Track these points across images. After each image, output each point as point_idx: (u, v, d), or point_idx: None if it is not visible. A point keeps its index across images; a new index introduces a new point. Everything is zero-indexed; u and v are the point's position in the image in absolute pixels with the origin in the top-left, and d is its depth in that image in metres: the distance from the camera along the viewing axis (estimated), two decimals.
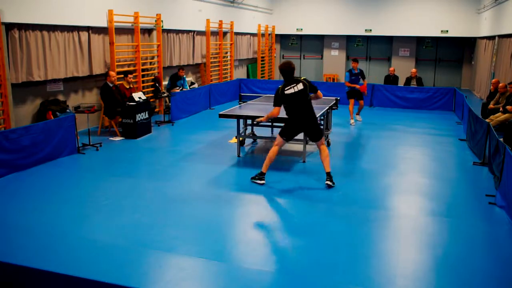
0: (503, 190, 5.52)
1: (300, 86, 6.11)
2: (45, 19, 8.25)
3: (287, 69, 6.16)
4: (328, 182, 6.14)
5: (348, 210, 5.45)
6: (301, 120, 6.18)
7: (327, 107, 8.24)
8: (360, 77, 11.06)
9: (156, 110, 11.68)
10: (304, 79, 6.21)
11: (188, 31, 13.26)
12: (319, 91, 6.41)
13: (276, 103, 6.21)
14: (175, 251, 4.32)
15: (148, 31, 11.50)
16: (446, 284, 3.84)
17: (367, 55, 20.45)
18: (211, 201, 5.73)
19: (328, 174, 6.21)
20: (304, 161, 7.50)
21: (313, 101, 6.42)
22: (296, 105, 6.13)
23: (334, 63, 20.56)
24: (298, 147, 8.40)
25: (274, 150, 6.34)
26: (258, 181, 6.31)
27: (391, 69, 15.14)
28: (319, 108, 8.18)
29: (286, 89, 6.11)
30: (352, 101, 10.98)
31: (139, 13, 10.59)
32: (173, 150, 8.31)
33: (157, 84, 11.20)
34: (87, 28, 9.36)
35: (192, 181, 6.50)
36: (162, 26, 11.62)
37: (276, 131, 9.70)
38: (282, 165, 7.30)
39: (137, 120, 9.01)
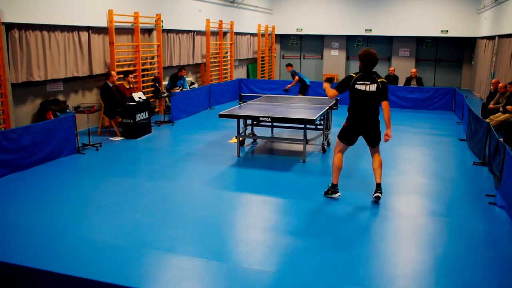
0: (503, 190, 5.52)
1: (373, 87, 5.32)
2: (45, 19, 8.25)
3: (369, 60, 5.30)
4: (378, 194, 5.61)
5: (348, 210, 5.45)
6: (362, 122, 5.48)
7: (327, 107, 8.24)
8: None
9: (156, 110, 11.69)
10: (381, 81, 5.36)
11: (188, 31, 13.26)
12: (387, 101, 5.43)
13: (339, 88, 5.47)
14: (175, 251, 4.32)
15: (148, 31, 11.50)
16: (446, 284, 3.84)
17: None
18: (211, 201, 5.73)
19: (378, 185, 5.66)
20: (304, 161, 7.50)
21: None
22: (362, 104, 5.41)
23: (334, 63, 20.57)
24: (298, 147, 8.40)
25: (338, 157, 5.71)
26: (334, 195, 5.74)
27: (391, 69, 15.16)
28: (319, 108, 8.20)
29: (358, 82, 5.34)
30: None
31: (139, 13, 10.59)
32: (173, 150, 8.32)
33: (157, 84, 11.20)
34: (87, 28, 9.36)
35: (192, 181, 6.50)
36: (162, 26, 11.62)
37: (277, 131, 9.71)
38: (282, 165, 7.30)
39: (137, 120, 9.01)
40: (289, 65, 12.94)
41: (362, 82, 5.34)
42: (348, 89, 5.47)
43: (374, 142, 5.64)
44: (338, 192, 5.76)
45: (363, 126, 5.52)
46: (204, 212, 5.37)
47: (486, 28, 16.18)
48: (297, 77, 12.43)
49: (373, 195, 5.66)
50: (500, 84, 10.55)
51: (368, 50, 5.36)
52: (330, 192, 5.77)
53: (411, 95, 13.83)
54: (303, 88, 12.45)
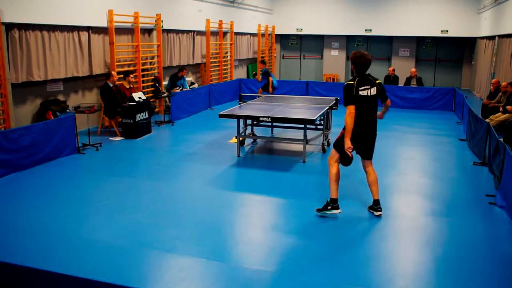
0: (503, 190, 5.52)
1: (373, 91, 5.04)
2: (45, 19, 8.25)
3: (364, 62, 5.02)
4: (380, 213, 5.26)
5: (348, 210, 5.44)
6: (364, 129, 5.08)
7: (327, 107, 8.24)
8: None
9: (156, 110, 11.69)
10: (379, 83, 5.15)
11: (188, 31, 13.26)
12: (388, 99, 5.32)
13: (350, 101, 4.94)
14: (175, 251, 4.32)
15: (148, 31, 11.50)
16: (446, 284, 3.84)
17: None
18: (211, 201, 5.73)
19: (377, 202, 5.27)
20: (304, 161, 7.50)
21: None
22: (365, 110, 5.03)
23: (334, 63, 20.58)
24: (298, 147, 8.40)
25: (336, 168, 5.24)
26: (334, 211, 5.20)
27: (391, 69, 15.15)
28: (319, 108, 8.20)
29: (360, 88, 4.98)
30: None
31: (139, 13, 10.59)
32: (173, 150, 8.32)
33: (157, 84, 11.21)
34: (87, 28, 9.36)
35: (192, 181, 6.50)
36: (162, 26, 11.62)
37: (277, 130, 9.71)
38: (282, 165, 7.30)
39: (137, 120, 9.01)
40: (263, 62, 13.65)
41: (364, 88, 5.01)
42: (355, 98, 5.03)
43: (368, 155, 5.27)
44: (339, 208, 5.23)
45: (364, 134, 5.15)
46: (204, 212, 5.37)
47: (486, 28, 16.18)
48: (270, 78, 13.05)
49: (375, 213, 5.28)
50: (503, 84, 10.54)
51: (360, 52, 5.08)
52: (330, 208, 5.21)
53: (411, 95, 13.83)
54: (267, 86, 12.97)
